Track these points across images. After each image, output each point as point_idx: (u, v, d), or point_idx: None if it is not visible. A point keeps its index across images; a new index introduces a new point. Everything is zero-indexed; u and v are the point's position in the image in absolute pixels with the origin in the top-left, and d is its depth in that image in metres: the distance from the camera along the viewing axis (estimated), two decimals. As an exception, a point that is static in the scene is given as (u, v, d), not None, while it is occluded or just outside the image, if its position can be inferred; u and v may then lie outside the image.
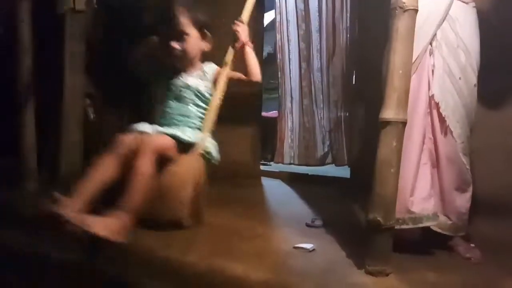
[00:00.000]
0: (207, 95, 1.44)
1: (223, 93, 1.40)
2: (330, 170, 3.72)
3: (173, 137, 1.34)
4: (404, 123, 1.61)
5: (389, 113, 1.60)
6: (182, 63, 1.47)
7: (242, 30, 1.47)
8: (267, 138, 4.27)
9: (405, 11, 1.59)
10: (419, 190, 1.84)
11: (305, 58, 3.79)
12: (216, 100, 1.44)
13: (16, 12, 3.00)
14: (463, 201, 1.90)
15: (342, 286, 1.58)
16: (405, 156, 1.64)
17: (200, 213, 1.45)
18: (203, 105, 1.45)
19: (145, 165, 1.27)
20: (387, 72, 1.63)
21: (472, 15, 1.88)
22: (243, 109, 3.72)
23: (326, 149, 3.80)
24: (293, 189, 3.31)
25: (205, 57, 1.65)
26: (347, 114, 3.63)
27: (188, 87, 1.47)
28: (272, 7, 4.13)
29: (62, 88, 3.27)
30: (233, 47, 1.44)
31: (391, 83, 1.61)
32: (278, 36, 3.92)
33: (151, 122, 1.49)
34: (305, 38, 3.78)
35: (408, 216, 1.79)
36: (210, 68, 1.47)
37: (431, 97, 1.85)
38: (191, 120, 1.46)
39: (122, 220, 1.29)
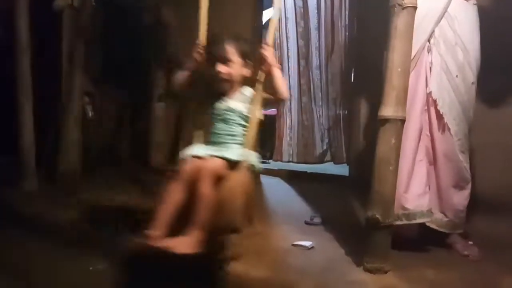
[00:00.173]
0: (248, 114, 1.63)
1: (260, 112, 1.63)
2: (328, 168, 3.73)
3: (223, 158, 1.54)
4: (403, 121, 1.62)
5: (388, 110, 1.60)
6: (226, 87, 1.65)
7: (269, 54, 1.60)
8: (266, 136, 4.26)
9: (404, 8, 1.59)
10: (414, 186, 1.85)
11: (304, 55, 3.79)
12: (255, 118, 1.62)
13: (14, 10, 2.99)
14: (460, 198, 1.91)
15: (341, 284, 1.59)
16: (401, 153, 1.65)
17: (252, 217, 1.64)
18: (245, 123, 1.64)
19: (206, 188, 1.49)
20: (386, 70, 1.63)
21: (473, 12, 1.88)
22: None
23: (324, 147, 3.80)
24: (292, 187, 3.32)
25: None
26: (346, 112, 3.63)
27: (232, 109, 1.65)
28: (270, 4, 4.12)
29: (60, 86, 3.27)
30: (262, 69, 1.61)
31: (390, 81, 1.61)
32: (276, 34, 3.91)
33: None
34: (304, 35, 3.78)
35: (402, 212, 1.80)
36: (248, 91, 1.66)
37: (428, 94, 1.85)
38: (236, 138, 1.64)
39: (195, 236, 1.50)
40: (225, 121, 1.67)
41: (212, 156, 1.56)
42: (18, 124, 3.03)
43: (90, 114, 3.60)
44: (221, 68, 1.62)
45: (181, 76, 1.70)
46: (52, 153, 3.33)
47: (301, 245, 1.91)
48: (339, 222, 2.24)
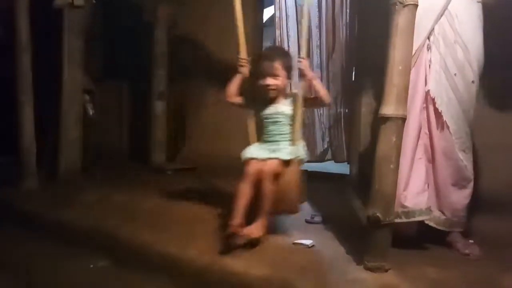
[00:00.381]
0: (292, 115, 1.95)
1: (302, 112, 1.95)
2: (329, 166, 3.72)
3: (279, 158, 1.89)
4: (403, 119, 1.61)
5: (388, 109, 1.60)
6: (274, 95, 1.97)
7: (305, 66, 1.93)
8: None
9: (405, 6, 1.59)
10: (413, 184, 1.84)
11: (305, 53, 3.77)
12: (299, 118, 1.94)
13: (15, 9, 2.99)
14: (460, 197, 1.90)
15: (341, 282, 1.59)
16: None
17: (303, 199, 2.02)
18: (291, 122, 1.96)
19: (269, 185, 1.86)
20: (387, 68, 1.62)
21: (476, 10, 1.86)
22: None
23: (325, 146, 3.79)
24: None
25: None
26: (347, 111, 3.62)
27: (280, 113, 1.97)
28: (271, 2, 4.12)
29: (61, 83, 3.27)
30: (302, 80, 1.94)
31: (391, 79, 1.60)
32: (277, 32, 3.90)
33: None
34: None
35: (401, 210, 1.79)
36: (291, 95, 1.99)
37: (427, 92, 1.85)
38: (286, 136, 1.97)
39: (263, 223, 1.89)
40: (275, 123, 1.98)
41: (269, 158, 1.89)
42: (18, 123, 3.04)
43: (90, 113, 3.60)
44: (270, 81, 1.94)
45: (230, 87, 2.04)
46: (52, 152, 3.34)
47: (301, 244, 1.91)
48: (339, 221, 2.24)
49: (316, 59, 3.77)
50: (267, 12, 4.49)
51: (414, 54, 1.76)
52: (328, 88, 3.70)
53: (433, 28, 1.83)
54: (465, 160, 1.86)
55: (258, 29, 3.81)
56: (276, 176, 1.87)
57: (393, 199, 1.64)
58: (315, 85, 1.94)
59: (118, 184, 3.08)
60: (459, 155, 1.85)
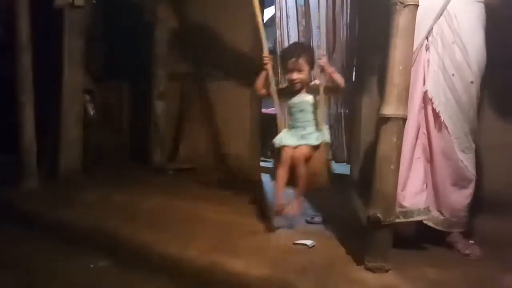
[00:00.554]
0: (316, 103, 2.19)
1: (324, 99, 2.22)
2: (330, 166, 3.72)
3: (308, 144, 2.14)
4: (404, 119, 1.61)
5: (389, 109, 1.59)
6: (299, 88, 2.20)
7: (325, 63, 2.13)
8: (267, 135, 4.26)
9: (405, 6, 1.58)
10: (411, 184, 1.84)
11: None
12: (322, 105, 2.20)
13: (15, 9, 2.99)
14: (459, 197, 1.90)
15: (342, 282, 1.58)
16: None
17: (330, 176, 2.22)
18: (315, 109, 2.19)
19: (302, 170, 2.10)
20: (387, 68, 1.62)
21: (476, 10, 1.86)
22: (243, 106, 3.73)
23: (326, 146, 3.79)
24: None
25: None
26: (347, 111, 3.62)
27: (306, 102, 2.20)
28: (272, 3, 4.12)
29: (61, 84, 3.27)
30: (322, 74, 2.15)
31: (391, 79, 1.60)
32: (278, 32, 3.90)
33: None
34: (305, 34, 3.75)
35: (399, 210, 1.79)
36: (314, 85, 2.21)
37: (425, 92, 1.85)
38: (312, 122, 2.20)
39: (298, 202, 2.18)
40: (301, 111, 2.21)
41: (300, 145, 2.13)
42: (18, 123, 3.04)
43: (91, 113, 3.60)
44: (295, 76, 2.16)
45: (258, 82, 2.27)
46: (52, 152, 3.34)
47: (302, 244, 1.91)
48: (340, 221, 2.24)
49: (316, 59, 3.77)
50: (268, 12, 4.49)
51: (413, 54, 1.75)
52: (330, 94, 3.72)
53: (432, 28, 1.83)
54: (465, 160, 1.86)
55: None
56: (307, 159, 2.12)
57: (394, 200, 1.64)
58: (334, 76, 2.14)
59: (118, 184, 3.08)
60: (459, 155, 1.84)
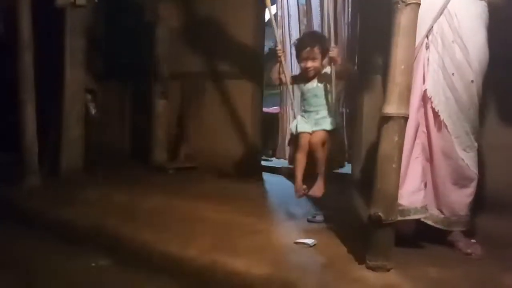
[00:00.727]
0: (328, 88, 2.31)
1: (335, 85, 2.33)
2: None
3: (323, 129, 2.26)
4: (406, 118, 1.60)
5: (390, 108, 1.59)
6: (313, 75, 2.31)
7: (336, 54, 2.23)
8: (268, 134, 4.26)
9: (407, 5, 1.58)
10: (409, 183, 1.84)
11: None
12: (333, 91, 2.30)
13: (17, 8, 3.00)
14: (460, 196, 1.89)
15: (343, 281, 1.58)
16: None
17: (345, 155, 2.50)
18: (327, 93, 2.32)
19: (320, 153, 2.23)
20: (389, 67, 1.62)
21: (478, 9, 1.84)
22: (244, 105, 3.73)
23: (327, 145, 3.79)
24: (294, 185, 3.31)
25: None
26: (348, 110, 3.62)
27: (319, 88, 2.32)
28: (273, 1, 4.12)
29: (63, 83, 3.27)
30: (332, 64, 2.24)
31: (393, 78, 1.60)
32: (279, 31, 3.90)
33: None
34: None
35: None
36: (327, 69, 2.30)
37: (424, 91, 1.84)
38: (324, 106, 2.32)
39: (322, 184, 2.26)
40: (315, 96, 2.33)
41: (316, 130, 2.26)
42: (20, 122, 3.04)
43: (92, 112, 3.60)
44: (309, 64, 2.27)
45: (274, 73, 2.41)
46: (54, 151, 3.34)
47: (303, 243, 1.91)
48: (341, 220, 2.24)
49: (317, 58, 3.76)
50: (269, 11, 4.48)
51: None
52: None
53: (432, 27, 1.83)
54: (467, 159, 1.85)
55: (260, 28, 3.81)
56: (324, 143, 2.25)
57: (395, 199, 1.64)
58: (343, 65, 2.32)
59: (119, 183, 3.09)
60: (460, 154, 1.84)
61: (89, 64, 3.50)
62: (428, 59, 1.84)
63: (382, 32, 1.76)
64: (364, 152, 3.05)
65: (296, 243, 1.92)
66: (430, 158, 1.90)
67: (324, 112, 2.31)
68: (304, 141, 2.25)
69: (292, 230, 2.10)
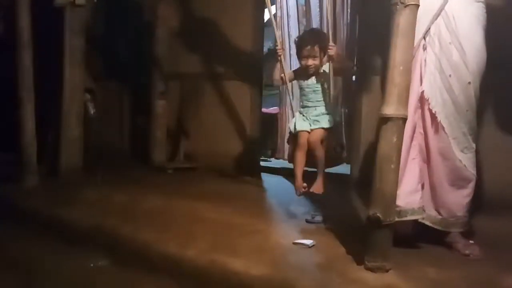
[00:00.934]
0: (326, 86, 2.35)
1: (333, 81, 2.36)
2: (330, 166, 3.72)
3: (321, 127, 2.28)
4: (404, 119, 1.61)
5: (389, 109, 1.59)
6: (313, 72, 2.33)
7: (335, 52, 2.26)
8: (267, 134, 4.26)
9: (406, 6, 1.58)
10: (406, 184, 1.84)
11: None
12: (331, 87, 2.33)
13: (16, 7, 2.99)
14: (457, 197, 1.90)
15: (342, 282, 1.58)
16: None
17: (344, 152, 2.49)
18: (326, 89, 2.34)
19: (319, 150, 2.26)
20: (388, 68, 1.62)
21: (476, 10, 1.85)
22: (243, 105, 3.73)
23: (326, 145, 3.79)
24: (293, 185, 3.31)
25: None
26: (347, 111, 3.62)
27: (318, 84, 2.34)
28: (272, 2, 4.12)
29: (62, 82, 3.27)
30: (331, 61, 2.27)
31: (392, 79, 1.60)
32: (278, 32, 3.89)
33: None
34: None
35: None
36: (325, 68, 2.33)
37: (422, 93, 1.84)
38: (322, 102, 2.34)
39: (321, 181, 2.28)
40: (313, 91, 2.35)
41: (314, 129, 2.28)
42: (19, 121, 3.04)
43: (91, 112, 3.60)
44: (310, 62, 2.29)
45: (275, 73, 2.43)
46: (53, 150, 3.34)
47: (302, 244, 1.91)
48: (340, 221, 2.24)
49: (317, 58, 3.76)
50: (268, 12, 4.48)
51: None
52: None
53: (429, 28, 1.83)
54: (464, 160, 1.85)
55: (259, 28, 3.81)
56: (322, 141, 2.28)
57: (394, 199, 1.64)
58: (342, 63, 2.36)
59: (119, 183, 3.09)
60: (457, 155, 1.84)
61: (88, 63, 3.50)
62: (425, 61, 1.85)
63: (381, 33, 1.76)
64: (362, 152, 3.06)
65: (295, 243, 1.92)
66: (427, 159, 1.90)
67: (322, 108, 2.33)
68: (303, 139, 2.28)
69: (291, 231, 2.11)
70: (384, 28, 1.68)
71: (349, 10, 3.51)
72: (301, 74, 2.41)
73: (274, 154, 4.16)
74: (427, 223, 1.89)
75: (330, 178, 3.35)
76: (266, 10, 3.90)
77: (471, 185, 1.89)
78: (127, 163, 4.02)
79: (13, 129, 3.10)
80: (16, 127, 3.07)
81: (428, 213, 1.90)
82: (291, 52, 3.88)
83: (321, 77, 2.35)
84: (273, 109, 4.56)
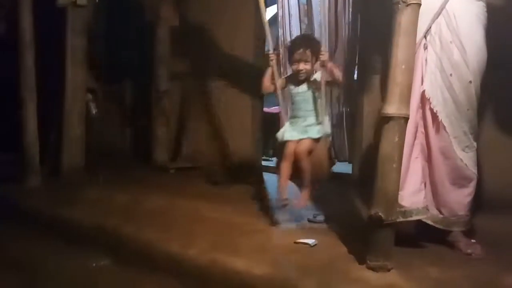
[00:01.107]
0: (318, 95, 2.25)
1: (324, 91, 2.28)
2: (332, 165, 3.72)
3: (310, 138, 2.19)
4: (406, 118, 1.60)
5: (391, 108, 1.59)
6: (304, 78, 2.24)
7: (326, 58, 2.19)
8: (269, 134, 4.26)
9: (408, 5, 1.58)
10: (409, 184, 1.84)
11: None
12: (323, 97, 2.25)
13: (18, 7, 3.00)
14: (458, 196, 1.89)
15: (344, 281, 1.58)
16: None
17: (331, 166, 2.37)
18: (317, 98, 2.25)
19: (306, 162, 2.16)
20: (390, 67, 1.62)
21: (476, 9, 1.84)
22: (245, 105, 3.73)
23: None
24: (295, 184, 3.31)
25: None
26: (349, 110, 3.62)
27: (309, 92, 2.25)
28: (274, 1, 4.12)
29: (64, 82, 3.27)
30: (323, 68, 2.20)
31: (394, 78, 1.60)
32: (280, 31, 3.90)
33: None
34: (308, 32, 3.75)
35: (398, 209, 1.78)
36: (317, 76, 2.25)
37: (423, 92, 1.84)
38: (313, 112, 2.25)
39: (307, 194, 2.22)
40: (304, 100, 2.26)
41: (302, 139, 2.19)
42: (21, 121, 3.05)
43: (93, 112, 3.60)
44: (302, 66, 2.21)
45: (265, 80, 2.30)
46: (55, 150, 3.35)
47: (303, 243, 1.91)
48: (342, 220, 2.24)
49: (318, 58, 3.76)
50: (270, 11, 4.49)
51: None
52: (330, 88, 3.72)
53: (430, 27, 1.83)
54: (465, 159, 1.85)
55: (261, 28, 3.81)
56: (310, 152, 2.19)
57: (396, 199, 1.64)
58: (333, 72, 2.22)
59: (121, 183, 3.09)
60: (458, 154, 1.84)
61: (90, 63, 3.50)
62: (426, 60, 1.84)
63: (382, 32, 1.76)
64: (364, 152, 3.06)
65: (297, 243, 1.92)
66: (428, 158, 1.90)
67: (312, 119, 2.25)
68: (289, 150, 2.18)
69: (293, 230, 2.10)
70: (386, 27, 1.67)
71: (350, 9, 3.51)
72: (292, 80, 2.30)
73: (275, 153, 4.15)
74: (429, 222, 1.89)
75: (331, 178, 3.37)
76: (268, 9, 3.90)
77: (472, 184, 1.89)
78: (129, 163, 4.02)
79: (15, 129, 3.11)
80: (18, 127, 3.08)
81: (430, 212, 1.90)
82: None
83: (313, 85, 2.25)
84: (274, 109, 4.57)
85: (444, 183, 1.88)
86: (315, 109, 2.25)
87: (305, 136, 2.19)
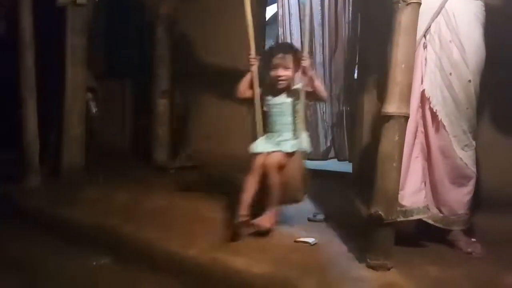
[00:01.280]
0: (297, 106, 2.05)
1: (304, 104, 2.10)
2: (332, 165, 3.71)
3: (283, 151, 1.99)
4: (406, 117, 1.61)
5: (391, 107, 1.59)
6: (283, 86, 2.06)
7: (308, 64, 2.03)
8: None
9: (408, 4, 1.58)
10: (410, 184, 1.84)
11: (308, 52, 3.76)
12: (301, 110, 2.05)
13: (18, 6, 3.00)
14: (458, 195, 1.90)
15: (344, 280, 1.59)
16: None
17: (306, 189, 2.08)
18: (295, 113, 2.06)
19: (274, 178, 1.95)
20: (390, 67, 1.62)
21: (475, 8, 1.85)
22: (244, 103, 3.73)
23: (328, 144, 3.79)
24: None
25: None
26: (349, 109, 3.62)
27: (287, 103, 2.07)
28: (274, 0, 4.11)
29: (64, 82, 3.27)
30: (303, 75, 2.04)
31: (394, 77, 1.60)
32: (280, 30, 3.90)
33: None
34: (308, 32, 3.75)
35: (399, 209, 1.79)
36: (297, 87, 2.07)
37: (422, 92, 1.84)
38: (289, 126, 2.06)
39: (272, 214, 1.99)
40: (281, 113, 2.07)
41: (274, 151, 1.99)
42: (21, 120, 3.05)
43: (93, 111, 3.60)
44: (281, 72, 2.04)
45: (242, 84, 2.12)
46: (55, 149, 3.35)
47: (304, 242, 1.91)
48: (342, 219, 2.24)
49: (318, 57, 3.77)
50: (270, 10, 4.48)
51: None
52: (330, 87, 3.72)
53: (430, 27, 1.83)
54: (465, 158, 1.85)
55: (261, 27, 3.80)
56: (280, 167, 1.97)
57: (396, 198, 1.64)
58: (314, 80, 2.05)
59: (121, 182, 3.09)
60: (458, 153, 1.84)
61: (90, 62, 3.50)
62: (425, 59, 1.84)
63: (382, 31, 1.76)
64: (364, 151, 3.06)
65: (297, 242, 1.92)
66: (428, 157, 1.90)
67: (287, 134, 2.05)
68: (258, 162, 1.97)
69: (293, 229, 2.10)
70: (386, 26, 1.68)
71: (350, 8, 3.51)
72: (270, 89, 2.10)
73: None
74: (429, 221, 1.89)
75: (331, 177, 3.37)
76: (268, 8, 3.90)
77: (472, 182, 1.90)
78: (129, 163, 4.02)
79: (15, 128, 3.11)
80: (18, 126, 3.08)
81: (430, 212, 1.90)
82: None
83: (292, 94, 2.06)
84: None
85: (443, 182, 1.88)
86: (293, 123, 2.05)
87: (276, 149, 2.01)
